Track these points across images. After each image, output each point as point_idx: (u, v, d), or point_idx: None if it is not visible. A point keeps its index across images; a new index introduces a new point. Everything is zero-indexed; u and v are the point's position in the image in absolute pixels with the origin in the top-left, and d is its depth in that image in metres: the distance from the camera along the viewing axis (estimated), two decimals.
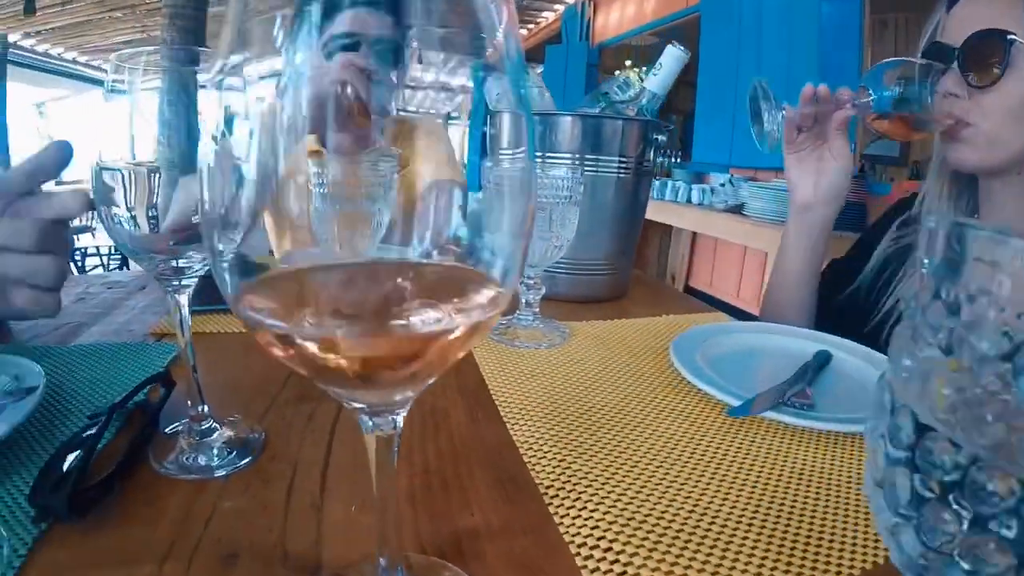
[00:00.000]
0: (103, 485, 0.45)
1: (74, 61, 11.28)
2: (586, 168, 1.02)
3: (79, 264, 6.09)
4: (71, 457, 0.46)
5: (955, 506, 0.22)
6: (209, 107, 0.26)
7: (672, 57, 1.08)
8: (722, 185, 4.45)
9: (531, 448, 0.56)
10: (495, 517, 0.46)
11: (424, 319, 0.28)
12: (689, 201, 4.63)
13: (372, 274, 0.32)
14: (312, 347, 0.27)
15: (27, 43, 9.51)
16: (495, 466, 0.53)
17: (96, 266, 6.42)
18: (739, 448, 0.60)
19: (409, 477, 0.50)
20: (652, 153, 1.08)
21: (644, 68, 6.73)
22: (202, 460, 0.51)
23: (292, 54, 0.25)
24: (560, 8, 8.68)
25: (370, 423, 0.32)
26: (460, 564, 0.40)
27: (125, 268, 6.25)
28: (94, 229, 7.55)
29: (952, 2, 0.95)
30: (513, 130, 0.29)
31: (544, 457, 0.55)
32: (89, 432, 0.49)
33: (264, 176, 0.26)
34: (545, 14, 9.31)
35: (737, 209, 4.11)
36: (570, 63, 8.10)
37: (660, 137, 1.08)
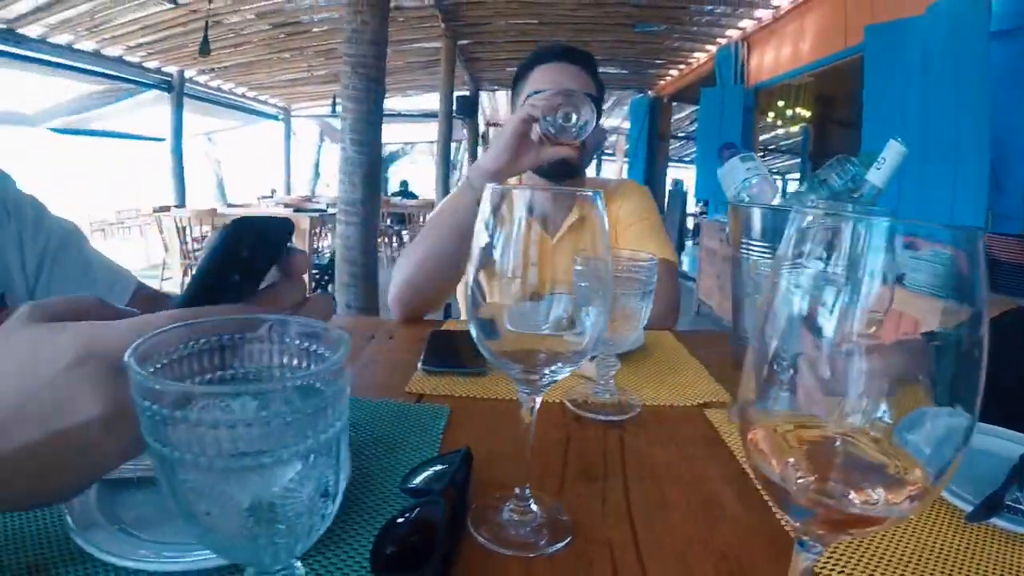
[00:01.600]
0: (445, 559, 0.51)
1: (243, 96, 12.13)
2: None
3: None
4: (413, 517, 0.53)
5: None
6: None
7: (895, 152, 1.10)
8: None
9: None
10: None
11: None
12: None
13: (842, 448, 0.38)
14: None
15: (202, 79, 10.33)
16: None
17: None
18: (972, 556, 0.59)
19: None
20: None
21: (795, 111, 6.60)
22: (521, 533, 0.56)
23: None
24: (712, 49, 8.68)
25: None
26: None
27: None
28: None
29: None
30: None
31: None
32: (418, 511, 0.54)
33: None
34: (696, 54, 9.34)
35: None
36: (726, 106, 8.01)
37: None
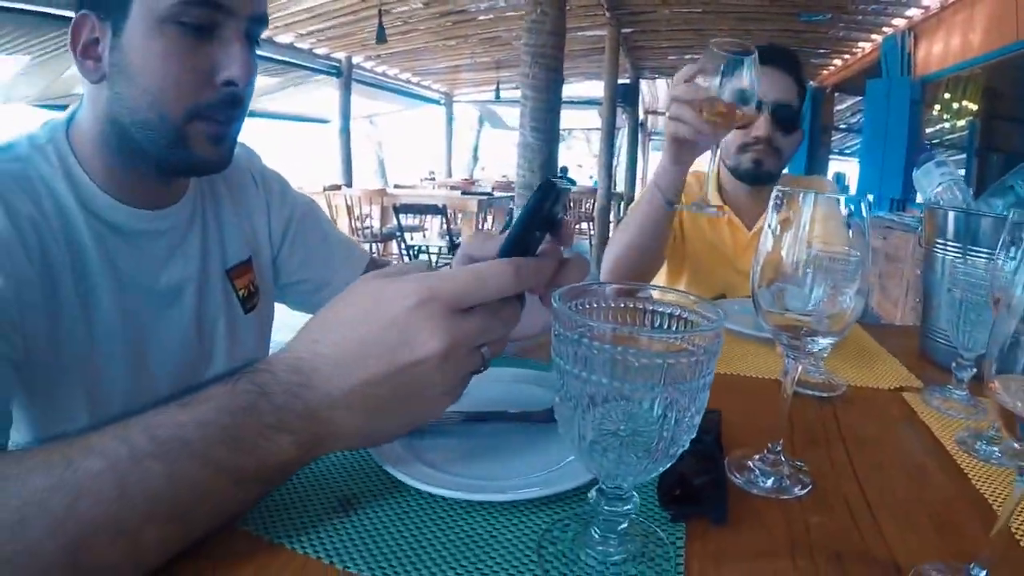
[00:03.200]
0: (719, 496, 0.59)
1: (407, 81, 12.62)
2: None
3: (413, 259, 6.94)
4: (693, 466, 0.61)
5: None
6: None
7: None
8: None
9: None
10: None
11: None
12: None
13: None
14: None
15: (368, 64, 10.87)
16: None
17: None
18: None
19: None
20: None
21: (962, 105, 6.20)
22: (771, 483, 0.65)
23: None
24: (878, 39, 8.32)
25: None
26: None
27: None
28: (426, 230, 8.53)
29: None
30: None
31: None
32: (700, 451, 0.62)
33: None
34: (861, 44, 9.00)
35: None
36: (892, 99, 7.70)
37: None
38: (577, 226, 10.97)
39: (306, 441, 0.52)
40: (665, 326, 0.50)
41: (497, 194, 8.35)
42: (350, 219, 7.22)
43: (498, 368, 0.83)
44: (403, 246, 7.08)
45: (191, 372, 0.95)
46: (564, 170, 14.09)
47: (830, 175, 11.83)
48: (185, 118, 0.80)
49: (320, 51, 9.52)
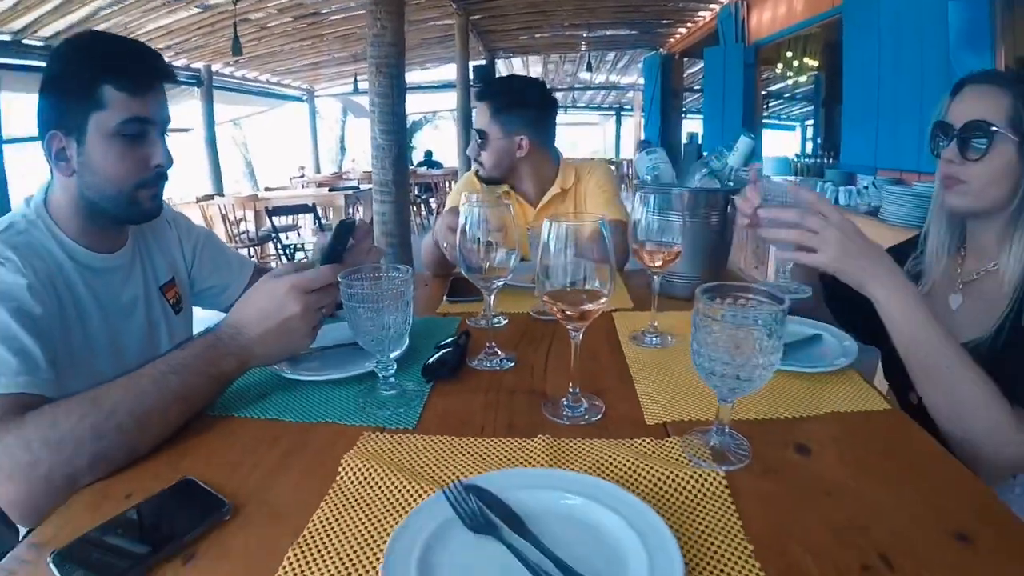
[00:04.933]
0: (458, 367, 1.16)
1: (267, 82, 12.72)
2: (691, 219, 1.61)
3: (291, 258, 7.28)
4: (440, 356, 1.16)
5: None
6: None
7: (743, 143, 1.67)
8: (866, 187, 4.61)
9: None
10: None
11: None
12: (837, 203, 4.63)
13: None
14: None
15: (227, 70, 10.97)
16: None
17: (303, 259, 7.66)
18: None
19: None
20: (730, 207, 1.67)
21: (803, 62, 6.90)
22: (493, 364, 1.20)
23: None
24: (716, 8, 9.08)
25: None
26: None
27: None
28: (300, 227, 8.81)
29: (955, 92, 1.29)
30: None
31: None
32: (446, 349, 1.18)
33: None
34: (702, 13, 9.76)
35: (875, 212, 4.14)
36: (728, 64, 8.47)
37: (735, 198, 1.66)
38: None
39: (241, 361, 1.04)
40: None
41: (363, 187, 8.58)
42: (226, 226, 7.38)
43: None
44: (279, 246, 7.39)
45: (149, 355, 1.42)
46: (429, 153, 14.47)
47: (684, 135, 12.68)
48: (133, 190, 1.26)
49: (179, 63, 9.65)
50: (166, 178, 1.34)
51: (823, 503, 0.78)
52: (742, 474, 0.84)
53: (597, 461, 0.86)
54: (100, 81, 1.19)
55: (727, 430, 0.89)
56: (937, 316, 1.12)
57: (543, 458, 0.87)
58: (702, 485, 0.80)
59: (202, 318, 1.67)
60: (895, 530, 0.72)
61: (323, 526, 0.74)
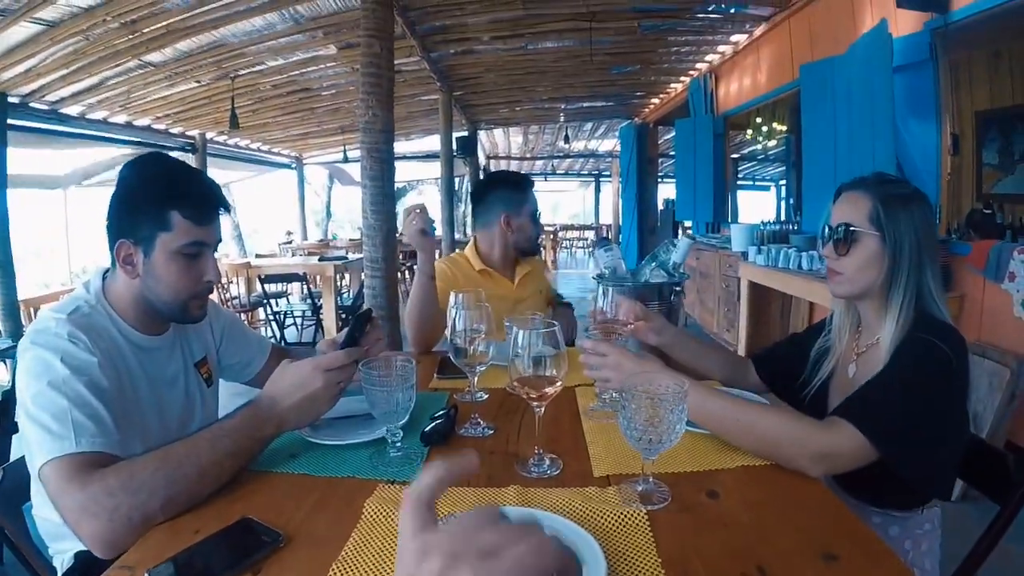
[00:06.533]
0: (449, 434, 1.44)
1: (258, 149, 13.07)
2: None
3: (281, 324, 7.53)
4: (435, 426, 1.45)
5: None
6: None
7: (683, 243, 2.01)
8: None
9: None
10: None
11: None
12: (800, 267, 4.91)
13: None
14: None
15: (220, 137, 11.32)
16: None
17: (290, 324, 7.95)
18: None
19: None
20: (673, 296, 2.00)
21: (772, 127, 7.30)
22: (476, 432, 1.48)
23: None
24: (686, 80, 9.50)
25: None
26: None
27: (320, 331, 7.68)
28: (290, 295, 9.07)
29: (836, 198, 1.57)
30: None
31: None
32: (439, 420, 1.47)
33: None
34: (673, 85, 10.24)
35: None
36: (698, 135, 8.79)
37: (677, 289, 1.99)
38: None
39: (277, 425, 1.34)
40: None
41: (351, 256, 8.73)
42: (218, 292, 7.58)
43: None
44: (270, 311, 7.57)
45: (187, 420, 1.69)
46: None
47: (660, 201, 13.13)
48: (186, 299, 1.53)
49: (175, 130, 10.01)
50: (212, 290, 1.62)
51: (722, 532, 1.07)
52: (662, 512, 1.12)
53: (554, 503, 1.15)
54: (169, 207, 1.45)
55: (651, 479, 1.19)
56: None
57: (514, 501, 1.15)
58: (629, 519, 1.09)
59: (230, 389, 1.97)
60: (776, 551, 1.01)
61: (355, 551, 1.01)
